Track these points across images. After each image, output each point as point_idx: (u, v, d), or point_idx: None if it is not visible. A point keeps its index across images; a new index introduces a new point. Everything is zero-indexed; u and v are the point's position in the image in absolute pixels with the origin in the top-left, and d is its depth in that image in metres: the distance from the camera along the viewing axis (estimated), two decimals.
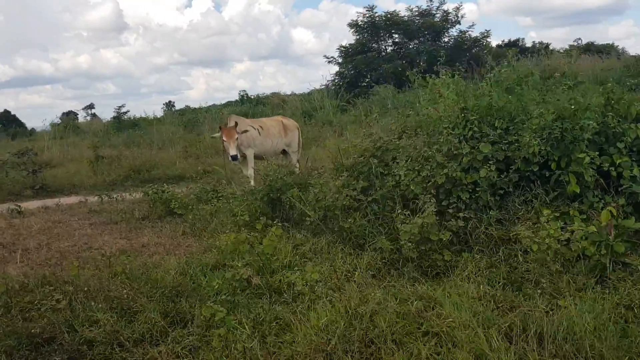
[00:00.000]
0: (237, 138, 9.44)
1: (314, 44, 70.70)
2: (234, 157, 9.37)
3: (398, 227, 5.45)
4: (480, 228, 5.23)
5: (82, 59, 74.78)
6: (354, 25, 27.49)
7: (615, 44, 36.74)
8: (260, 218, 6.10)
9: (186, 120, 24.00)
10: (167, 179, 12.71)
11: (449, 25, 27.18)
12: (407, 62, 25.75)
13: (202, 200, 8.21)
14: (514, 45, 36.48)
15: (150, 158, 13.72)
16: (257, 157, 10.27)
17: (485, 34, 27.13)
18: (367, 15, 27.06)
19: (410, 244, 4.99)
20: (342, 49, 27.75)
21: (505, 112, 5.55)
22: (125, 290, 4.51)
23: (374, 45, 27.71)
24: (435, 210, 5.08)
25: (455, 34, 27.24)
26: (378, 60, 26.06)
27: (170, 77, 77.25)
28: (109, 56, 77.85)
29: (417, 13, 27.42)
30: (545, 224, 4.53)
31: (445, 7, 27.10)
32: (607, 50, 32.79)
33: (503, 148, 5.32)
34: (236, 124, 9.61)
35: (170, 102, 41.27)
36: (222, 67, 77.10)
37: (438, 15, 27.24)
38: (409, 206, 5.81)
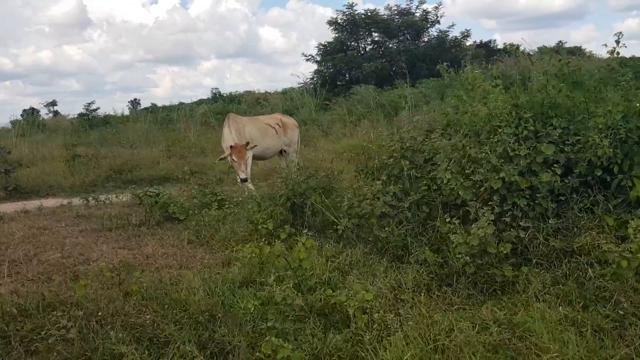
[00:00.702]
0: (248, 157, 8.72)
1: (281, 43, 69.89)
2: (244, 180, 8.56)
3: (445, 237, 4.92)
4: (538, 238, 4.70)
5: (44, 54, 72.06)
6: (333, 23, 26.94)
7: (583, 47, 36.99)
8: (284, 226, 5.44)
9: (160, 118, 23.01)
10: (151, 179, 11.90)
11: (428, 25, 26.88)
12: (387, 61, 25.35)
13: (204, 204, 7.49)
14: (485, 47, 36.45)
15: (132, 157, 12.84)
16: (256, 158, 9.60)
17: (466, 34, 26.93)
18: (347, 14, 26.52)
19: (467, 257, 4.43)
20: (321, 47, 27.17)
21: (563, 109, 5.03)
22: (148, 315, 3.81)
23: (353, 43, 27.20)
24: (492, 219, 4.53)
25: (435, 33, 26.98)
26: (359, 59, 25.54)
27: (135, 74, 75.21)
28: (72, 52, 75.20)
29: (396, 12, 27.03)
30: (633, 236, 4.01)
31: (424, 6, 26.81)
32: (576, 53, 33.04)
33: (565, 149, 4.80)
34: (247, 143, 8.89)
35: (135, 99, 39.84)
36: (188, 65, 75.51)
37: (417, 14, 26.91)
38: (451, 213, 5.27)
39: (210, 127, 19.48)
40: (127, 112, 31.31)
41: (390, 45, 26.57)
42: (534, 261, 4.68)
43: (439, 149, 5.51)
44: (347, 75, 26.25)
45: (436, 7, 26.85)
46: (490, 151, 4.86)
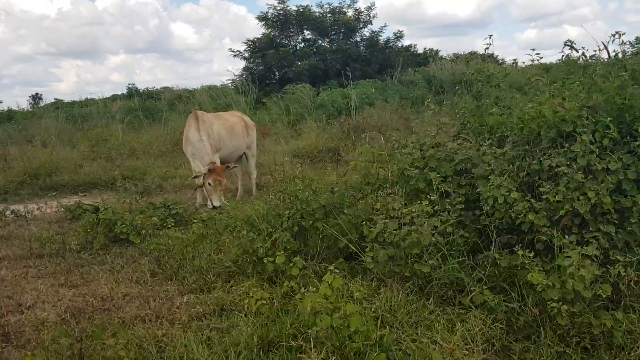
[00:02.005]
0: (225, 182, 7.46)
1: (194, 40, 67.10)
2: (217, 207, 7.12)
3: (509, 272, 3.87)
4: (629, 275, 3.73)
5: None
6: (263, 18, 25.52)
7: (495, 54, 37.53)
8: (294, 259, 4.13)
9: (74, 115, 20.68)
10: (74, 186, 10.13)
11: (361, 25, 26.10)
12: (321, 60, 24.31)
13: (161, 222, 6.03)
14: (407, 51, 36.37)
15: (49, 159, 10.88)
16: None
17: (399, 34, 26.39)
18: (279, 9, 25.21)
19: (562, 305, 3.37)
20: (250, 43, 25.67)
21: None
22: None
23: (284, 40, 25.93)
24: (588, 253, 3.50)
25: (367, 34, 26.26)
26: (291, 56, 24.31)
27: (36, 67, 69.60)
28: None
29: (328, 10, 26.04)
30: None
31: (357, 5, 26.03)
32: (491, 60, 33.55)
33: None
34: (228, 166, 7.64)
35: (37, 94, 36.37)
36: (94, 59, 70.78)
37: (350, 13, 26.07)
38: (503, 239, 4.22)
39: (133, 124, 17.62)
40: (27, 107, 28.62)
41: (323, 44, 25.55)
42: (623, 303, 3.73)
43: (484, 158, 4.43)
44: (277, 73, 24.94)
45: (369, 7, 26.10)
46: (570, 164, 3.83)
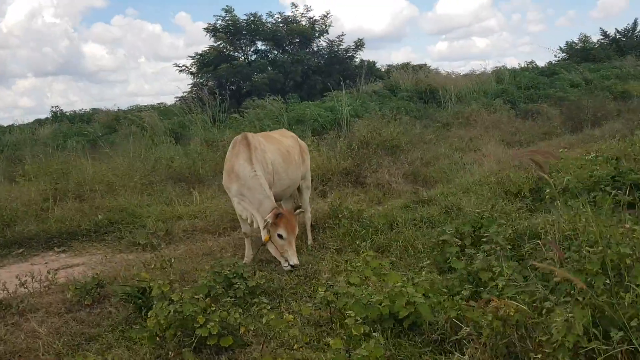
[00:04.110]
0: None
1: (108, 60, 62.73)
2: (296, 266, 5.24)
3: None
4: None
5: None
6: (211, 29, 23.27)
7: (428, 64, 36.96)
8: None
9: (3, 144, 17.59)
10: (46, 238, 7.63)
11: (316, 34, 24.41)
12: (280, 72, 22.36)
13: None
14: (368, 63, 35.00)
15: (3, 204, 8.26)
16: None
17: (359, 43, 24.87)
18: (227, 19, 23.04)
19: None
20: (198, 57, 23.34)
21: None
22: None
23: (234, 53, 23.78)
24: None
25: (324, 44, 24.62)
26: (247, 69, 22.19)
27: None
28: None
29: (280, 20, 24.18)
30: None
31: (311, 14, 24.31)
32: (423, 69, 32.86)
33: None
34: (297, 208, 5.79)
35: None
36: (1, 84, 64.69)
37: (304, 22, 24.32)
38: None
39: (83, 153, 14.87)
40: None
41: (278, 55, 23.62)
42: None
43: None
44: (231, 88, 22.73)
45: (324, 16, 24.44)
46: None
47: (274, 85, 21.61)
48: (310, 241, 6.36)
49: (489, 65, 30.15)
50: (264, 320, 3.63)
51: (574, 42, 32.24)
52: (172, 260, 5.36)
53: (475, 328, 3.10)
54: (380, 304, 3.50)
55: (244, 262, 5.88)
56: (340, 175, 10.25)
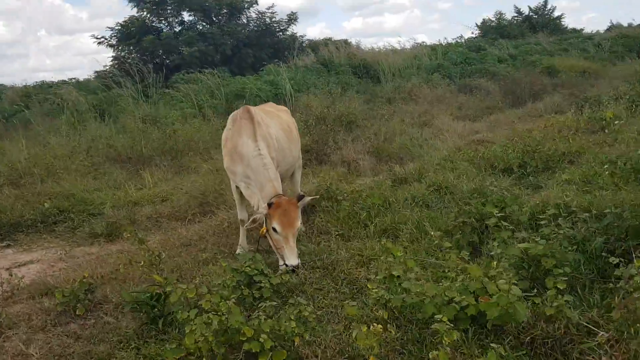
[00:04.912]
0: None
1: (4, 33, 57.96)
2: (296, 267, 4.39)
3: None
4: None
5: None
6: None
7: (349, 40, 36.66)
8: None
9: None
10: None
11: (245, 5, 23.36)
12: (211, 45, 21.20)
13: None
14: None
15: None
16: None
17: (292, 17, 24.07)
18: None
19: None
20: (118, 28, 21.67)
21: None
22: None
23: (158, 24, 22.32)
24: None
25: (254, 15, 23.62)
26: (175, 42, 20.87)
27: None
28: None
29: None
30: None
31: None
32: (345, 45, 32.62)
33: None
34: (301, 197, 4.66)
35: None
36: None
37: None
38: None
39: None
40: None
41: (207, 27, 22.39)
42: None
43: None
44: (157, 62, 21.34)
45: None
46: None
47: (204, 59, 20.48)
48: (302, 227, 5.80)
49: (405, 43, 30.11)
50: (311, 326, 3.08)
51: (490, 20, 33.13)
52: (162, 255, 4.62)
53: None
54: (459, 303, 3.05)
55: (237, 252, 5.25)
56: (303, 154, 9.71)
